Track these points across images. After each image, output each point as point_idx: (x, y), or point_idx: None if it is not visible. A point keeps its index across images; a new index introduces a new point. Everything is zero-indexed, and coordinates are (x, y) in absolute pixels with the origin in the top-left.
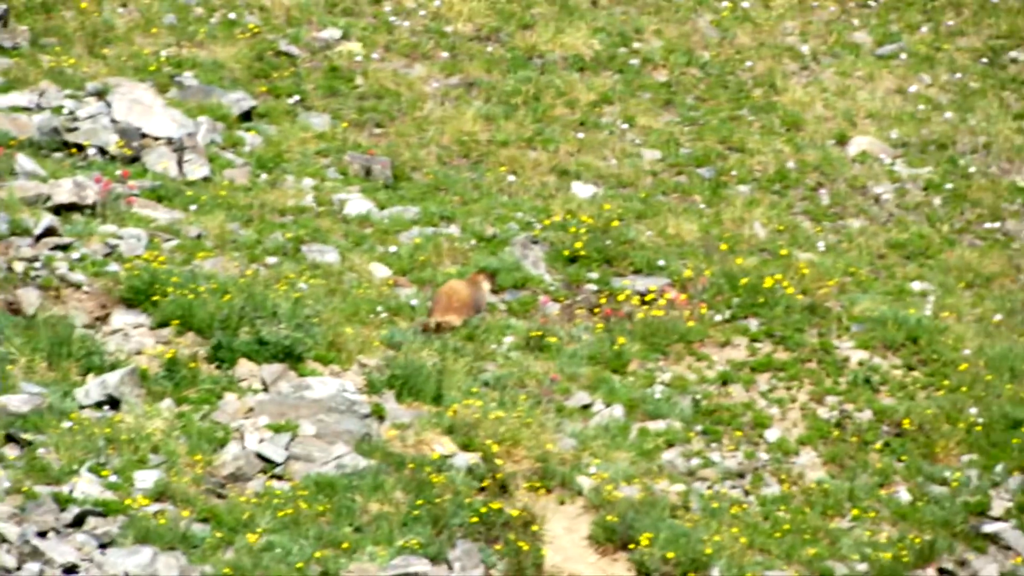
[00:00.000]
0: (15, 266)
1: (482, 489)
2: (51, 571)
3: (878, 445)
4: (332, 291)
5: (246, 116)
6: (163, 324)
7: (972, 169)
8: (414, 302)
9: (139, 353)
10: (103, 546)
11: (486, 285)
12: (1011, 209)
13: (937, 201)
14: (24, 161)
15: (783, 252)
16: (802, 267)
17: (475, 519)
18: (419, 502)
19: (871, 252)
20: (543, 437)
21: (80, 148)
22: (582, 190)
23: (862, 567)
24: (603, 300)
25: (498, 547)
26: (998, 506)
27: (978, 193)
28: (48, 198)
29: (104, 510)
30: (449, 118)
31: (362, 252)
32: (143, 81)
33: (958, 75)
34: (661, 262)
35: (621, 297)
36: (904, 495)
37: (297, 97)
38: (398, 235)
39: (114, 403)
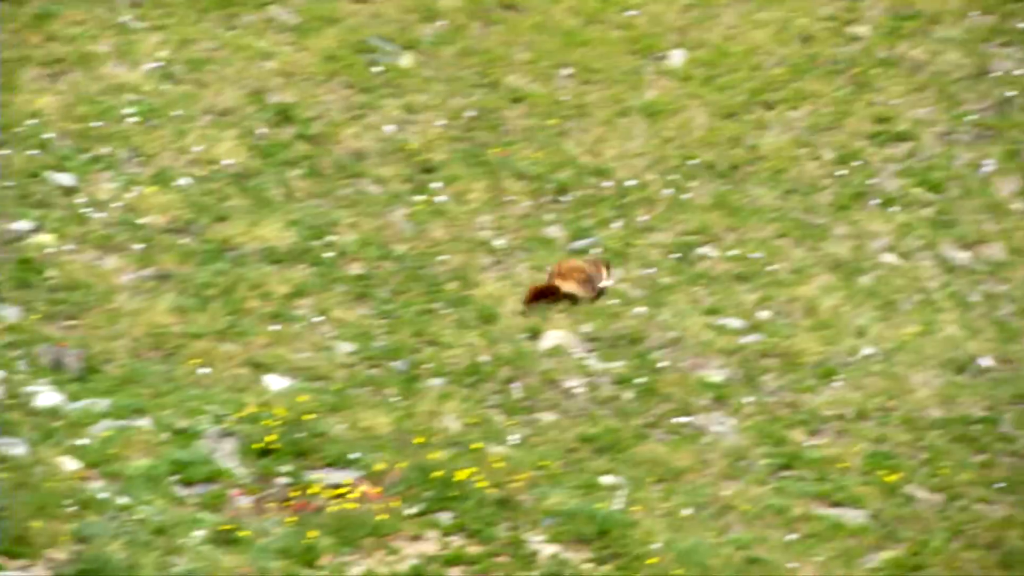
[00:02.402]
0: None
1: None
2: None
3: None
4: (20, 485)
5: None
6: None
7: (663, 364)
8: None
9: None
10: None
11: (605, 271)
12: (701, 404)
13: (628, 395)
14: None
15: (476, 446)
16: (494, 461)
17: None
18: None
19: (563, 446)
20: None
21: None
22: (276, 383)
23: None
24: (295, 493)
25: None
26: None
27: (669, 388)
28: None
29: None
30: (142, 310)
31: (52, 445)
32: None
33: (650, 270)
34: (354, 455)
35: (313, 490)
36: None
37: None
38: (89, 428)
39: None
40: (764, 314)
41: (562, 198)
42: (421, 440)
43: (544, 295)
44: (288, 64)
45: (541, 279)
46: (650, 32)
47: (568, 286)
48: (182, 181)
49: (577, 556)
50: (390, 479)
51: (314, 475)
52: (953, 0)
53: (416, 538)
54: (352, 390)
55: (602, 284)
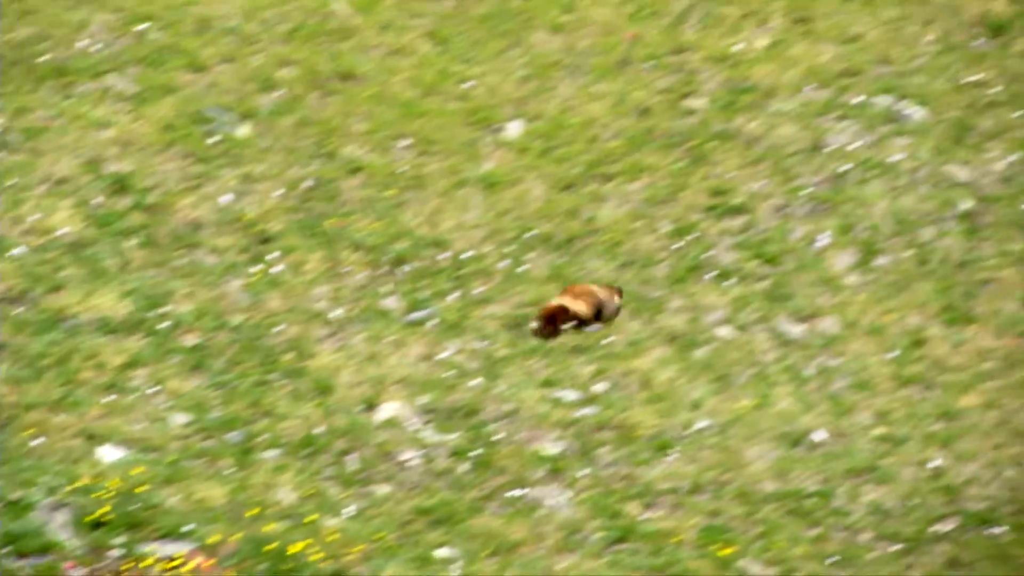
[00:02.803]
0: None
1: None
2: None
3: None
4: None
5: None
6: None
7: (499, 436)
8: None
9: None
10: None
11: (617, 299)
12: (536, 476)
13: (464, 468)
14: None
15: (311, 518)
16: (329, 533)
17: None
18: None
19: (398, 518)
20: None
21: None
22: (110, 454)
23: None
24: (129, 566)
25: None
26: None
27: (504, 460)
28: None
29: None
30: None
31: None
32: None
33: (486, 342)
34: (188, 527)
35: (147, 563)
36: None
37: None
38: None
39: None
40: (600, 387)
41: (399, 269)
42: (255, 512)
43: (555, 318)
44: (125, 133)
45: (548, 303)
46: (487, 104)
47: (577, 306)
48: (16, 251)
49: None
50: (224, 551)
51: (148, 547)
52: (788, 74)
53: None
54: (186, 461)
55: (612, 309)
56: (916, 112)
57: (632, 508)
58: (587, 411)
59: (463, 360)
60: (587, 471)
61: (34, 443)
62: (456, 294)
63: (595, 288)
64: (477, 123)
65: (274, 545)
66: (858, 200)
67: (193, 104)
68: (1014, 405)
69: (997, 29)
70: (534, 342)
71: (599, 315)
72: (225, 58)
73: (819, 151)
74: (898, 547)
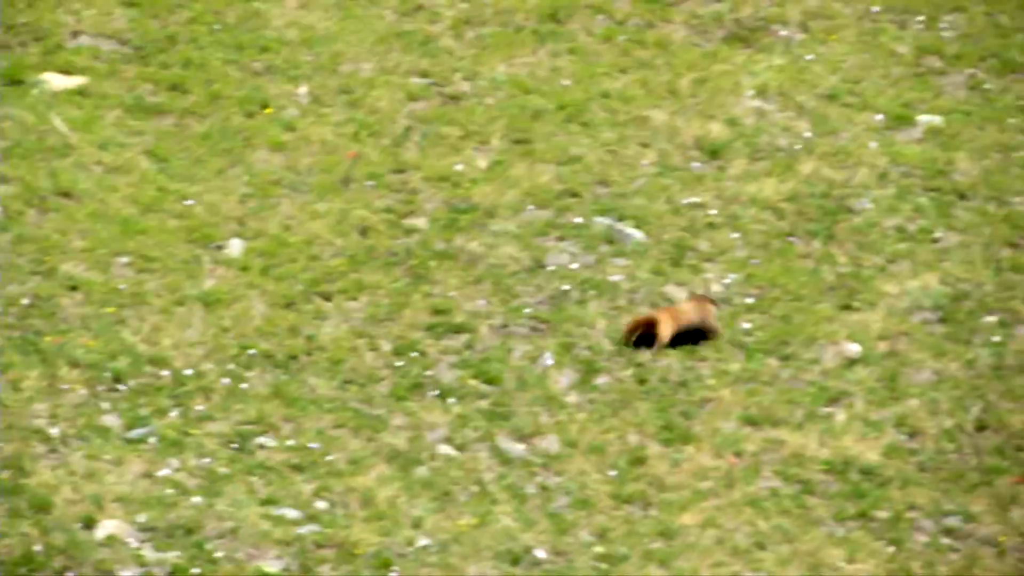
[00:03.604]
0: None
1: None
2: None
3: None
4: None
5: None
6: None
7: (219, 554)
8: None
9: None
10: None
11: (712, 308)
12: None
13: None
14: None
15: None
16: None
17: None
18: None
19: None
20: None
21: None
22: None
23: None
24: None
25: None
26: None
27: None
28: None
29: None
30: None
31: None
32: None
33: (207, 460)
34: None
35: None
36: None
37: None
38: None
39: None
40: (321, 504)
41: (119, 386)
42: None
43: (646, 332)
44: None
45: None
46: (208, 221)
47: (665, 328)
48: None
49: None
50: None
51: None
52: (509, 194)
53: None
54: None
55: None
56: (635, 233)
57: None
58: (308, 529)
59: (183, 478)
60: None
61: None
62: (176, 412)
63: (688, 308)
64: (197, 241)
65: None
66: (578, 319)
67: None
68: (732, 524)
69: (714, 152)
70: (257, 459)
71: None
72: None
73: (540, 271)
74: None
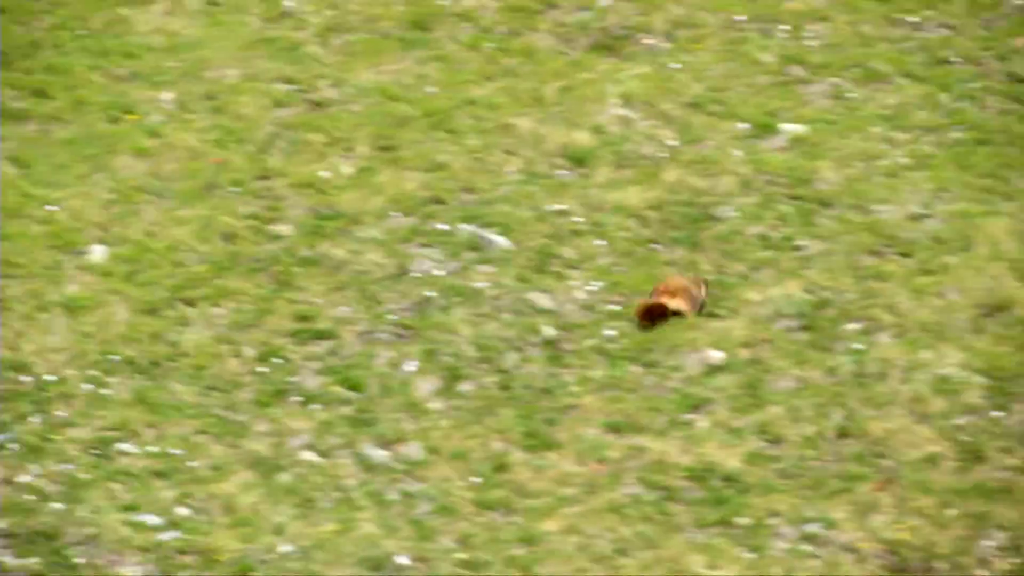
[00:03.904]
0: None
1: None
2: None
3: None
4: None
5: None
6: None
7: (80, 560)
8: None
9: None
10: None
11: (703, 288)
12: None
13: None
14: None
15: None
16: None
17: None
18: None
19: None
20: None
21: None
22: None
23: None
24: None
25: None
26: None
27: None
28: None
29: None
30: None
31: None
32: None
33: (68, 465)
34: None
35: None
36: None
37: None
38: None
39: None
40: (182, 511)
41: None
42: None
43: (655, 314)
44: None
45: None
46: (71, 227)
47: (676, 303)
48: None
49: None
50: None
51: None
52: (374, 201)
53: None
54: None
55: (701, 300)
56: (500, 240)
57: None
58: (169, 535)
59: (44, 484)
60: None
61: None
62: (38, 418)
63: (687, 283)
64: (60, 247)
65: None
66: (443, 326)
67: None
68: (594, 530)
69: (579, 160)
70: (118, 465)
71: (695, 306)
72: None
73: (404, 277)
74: None
